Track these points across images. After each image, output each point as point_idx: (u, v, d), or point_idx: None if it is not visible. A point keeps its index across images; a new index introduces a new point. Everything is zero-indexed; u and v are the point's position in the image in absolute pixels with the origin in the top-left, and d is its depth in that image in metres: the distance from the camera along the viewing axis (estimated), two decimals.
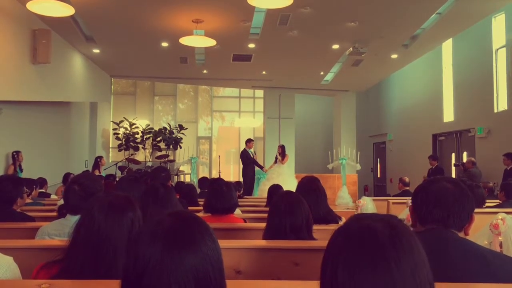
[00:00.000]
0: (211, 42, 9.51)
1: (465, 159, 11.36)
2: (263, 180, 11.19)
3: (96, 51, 11.54)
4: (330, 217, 3.34)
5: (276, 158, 10.89)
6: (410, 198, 1.93)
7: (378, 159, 16.82)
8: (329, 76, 14.07)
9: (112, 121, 16.07)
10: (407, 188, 8.06)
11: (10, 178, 3.64)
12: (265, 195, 9.15)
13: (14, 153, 8.58)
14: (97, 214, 1.64)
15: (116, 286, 1.11)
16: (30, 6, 7.15)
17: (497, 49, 10.36)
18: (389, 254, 0.95)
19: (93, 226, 1.62)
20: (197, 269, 1.04)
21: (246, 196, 8.58)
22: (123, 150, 15.26)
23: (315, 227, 2.74)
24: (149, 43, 10.78)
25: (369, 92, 16.78)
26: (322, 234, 2.94)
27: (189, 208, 4.53)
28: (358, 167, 11.51)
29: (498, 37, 10.33)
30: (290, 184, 8.64)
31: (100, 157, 10.81)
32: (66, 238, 1.73)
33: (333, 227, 3.29)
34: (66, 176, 7.97)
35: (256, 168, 11.27)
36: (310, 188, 3.37)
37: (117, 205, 1.68)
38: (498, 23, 10.34)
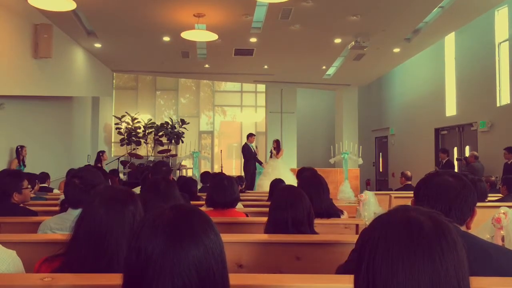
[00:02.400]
0: (212, 37, 9.49)
1: (467, 153, 11.34)
2: (260, 175, 11.22)
3: (98, 45, 11.53)
4: (331, 211, 3.34)
5: (271, 152, 10.93)
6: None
7: (380, 154, 16.80)
8: (331, 70, 14.04)
9: (114, 116, 16.08)
10: (409, 182, 8.05)
11: (9, 171, 3.65)
12: (262, 190, 9.21)
13: (19, 147, 8.60)
14: (98, 208, 1.64)
15: (117, 279, 1.11)
16: (31, 0, 7.13)
17: (500, 43, 10.31)
18: (434, 247, 0.94)
19: (94, 220, 1.63)
20: (199, 262, 1.04)
21: (248, 191, 8.59)
22: (125, 145, 15.28)
23: (316, 221, 2.74)
24: (151, 37, 10.77)
25: (371, 86, 16.74)
26: (323, 228, 2.95)
27: (191, 202, 4.53)
28: (360, 161, 11.50)
29: (501, 30, 10.28)
30: (285, 178, 8.64)
31: (102, 152, 10.82)
32: (68, 232, 1.73)
33: (334, 221, 3.30)
34: (70, 171, 7.97)
35: (257, 163, 11.28)
36: (313, 182, 3.36)
37: (118, 198, 1.68)
38: (501, 16, 10.29)
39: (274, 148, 10.87)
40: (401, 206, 1.06)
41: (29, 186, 3.65)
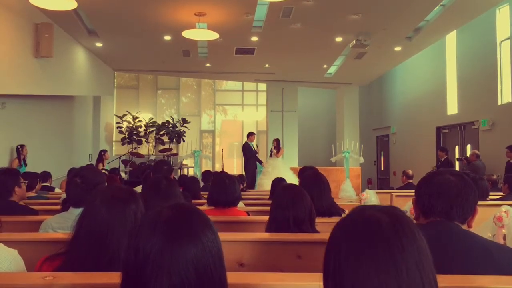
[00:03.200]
0: (213, 35, 9.49)
1: (469, 152, 11.33)
2: (260, 174, 11.22)
3: (99, 44, 11.54)
4: (333, 209, 3.34)
5: (271, 151, 10.92)
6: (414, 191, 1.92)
7: (382, 152, 16.79)
8: (332, 69, 14.03)
9: (115, 115, 16.09)
10: (411, 181, 8.05)
11: (3, 170, 3.67)
12: (263, 189, 9.21)
13: (19, 147, 8.61)
14: (99, 207, 1.64)
15: (118, 278, 1.11)
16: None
17: (501, 41, 10.29)
18: (393, 244, 0.95)
19: (96, 219, 1.63)
20: (197, 260, 1.05)
21: (249, 190, 8.59)
22: (126, 144, 15.30)
23: (318, 219, 2.74)
24: (152, 36, 10.77)
25: (372, 85, 16.72)
26: (325, 227, 2.95)
27: (193, 201, 4.53)
28: (361, 160, 11.49)
29: (502, 29, 10.26)
30: (285, 177, 8.65)
31: (104, 151, 10.82)
32: (69, 231, 1.74)
33: (336, 220, 3.29)
34: (71, 171, 7.98)
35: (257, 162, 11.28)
36: (314, 180, 3.36)
37: (119, 197, 1.68)
38: (503, 15, 10.27)
39: (274, 147, 10.87)
40: (358, 207, 1.07)
41: (25, 182, 3.67)
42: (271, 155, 10.96)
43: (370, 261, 0.94)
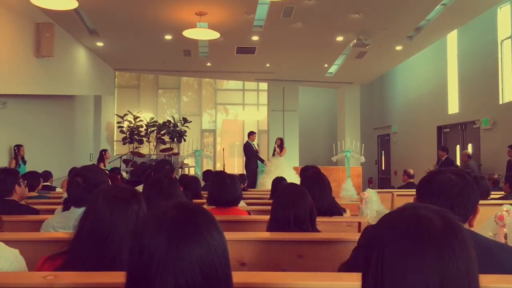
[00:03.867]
0: (214, 35, 9.49)
1: (470, 151, 11.33)
2: (262, 173, 11.20)
3: (100, 44, 11.54)
4: (334, 209, 3.34)
5: (274, 150, 10.90)
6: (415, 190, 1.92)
7: (383, 152, 16.79)
8: (333, 69, 14.02)
9: (116, 115, 16.09)
10: (412, 180, 8.04)
11: (3, 169, 3.68)
12: (264, 188, 9.20)
13: (15, 147, 8.62)
14: (101, 206, 1.64)
15: (120, 277, 1.11)
16: None
17: (503, 40, 10.28)
18: (445, 246, 0.93)
19: (98, 218, 1.63)
20: (202, 260, 1.04)
21: (250, 189, 8.58)
22: (127, 143, 15.30)
23: (319, 219, 2.74)
24: (153, 36, 10.77)
25: (373, 84, 16.72)
26: (326, 226, 2.95)
27: (194, 200, 4.53)
28: (363, 159, 11.48)
29: (504, 28, 10.25)
30: (288, 176, 8.62)
31: (105, 151, 10.83)
32: (71, 230, 1.74)
33: (337, 219, 3.30)
34: (72, 170, 7.98)
35: (259, 161, 11.27)
36: (315, 180, 3.36)
37: (122, 197, 1.68)
38: (504, 14, 10.26)
39: (278, 146, 10.84)
40: (410, 204, 1.04)
41: (25, 181, 3.68)
42: (274, 154, 10.93)
43: (417, 261, 0.91)
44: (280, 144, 10.85)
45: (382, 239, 0.97)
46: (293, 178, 8.34)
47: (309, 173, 3.55)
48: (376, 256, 0.96)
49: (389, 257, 0.94)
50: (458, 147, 12.11)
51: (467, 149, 11.61)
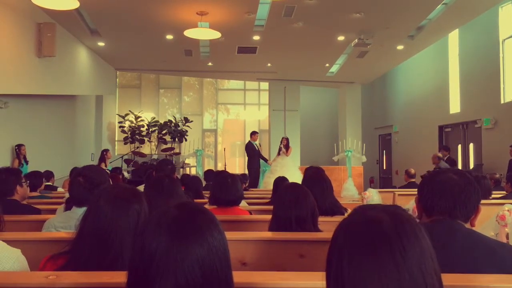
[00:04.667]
0: (215, 35, 9.49)
1: (471, 151, 11.33)
2: (267, 172, 11.19)
3: (101, 44, 11.55)
4: (336, 208, 3.34)
5: (280, 150, 10.88)
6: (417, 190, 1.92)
7: (384, 151, 16.78)
8: (334, 68, 14.02)
9: (117, 114, 16.10)
10: (413, 180, 8.03)
11: (5, 169, 3.68)
12: (269, 187, 9.17)
13: (16, 147, 8.63)
14: (103, 206, 1.65)
15: (122, 277, 1.11)
16: None
17: (504, 40, 10.27)
18: (395, 244, 0.94)
19: (99, 218, 1.63)
20: (203, 260, 1.04)
21: (251, 189, 8.58)
22: (128, 143, 15.31)
23: (320, 218, 2.74)
24: (154, 35, 10.77)
25: (375, 84, 16.70)
26: (327, 226, 2.94)
27: (195, 200, 4.53)
28: (364, 159, 11.48)
29: (505, 27, 10.23)
30: (294, 176, 8.63)
31: (106, 150, 10.83)
32: (72, 230, 1.74)
33: (338, 219, 3.29)
34: (74, 170, 7.99)
35: (261, 161, 11.27)
36: (316, 179, 3.36)
37: (123, 197, 1.68)
38: (505, 13, 10.24)
39: (284, 146, 10.83)
40: (360, 207, 1.06)
41: (27, 181, 3.69)
42: (279, 154, 10.92)
43: (371, 263, 0.93)
44: (286, 144, 10.84)
45: (338, 245, 0.99)
46: (298, 178, 8.32)
47: (311, 172, 3.55)
48: (335, 262, 0.98)
49: (346, 263, 0.95)
50: (459, 146, 12.09)
51: (468, 149, 11.60)
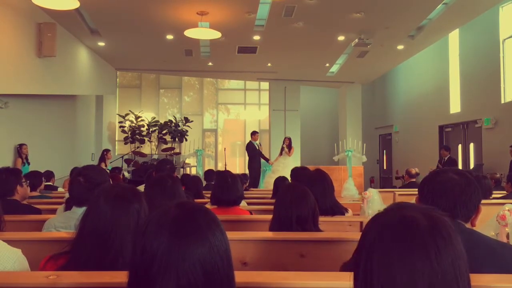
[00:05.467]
0: (216, 34, 9.49)
1: (471, 150, 11.33)
2: (268, 172, 11.19)
3: (101, 44, 11.55)
4: (336, 208, 3.34)
5: (282, 149, 10.88)
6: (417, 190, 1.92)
7: (384, 151, 16.78)
8: (334, 68, 14.01)
9: (118, 114, 16.10)
10: (414, 180, 8.03)
11: (5, 169, 3.69)
12: (271, 187, 9.15)
13: (17, 147, 8.63)
14: (103, 206, 1.65)
15: (122, 277, 1.11)
16: None
17: (504, 39, 10.27)
18: (430, 245, 0.94)
19: (99, 218, 1.63)
20: (204, 260, 1.04)
21: (252, 188, 8.58)
22: (129, 143, 15.31)
23: (321, 218, 2.74)
24: (154, 35, 10.77)
25: (375, 84, 16.70)
26: (328, 226, 2.95)
27: (196, 200, 4.53)
28: (364, 159, 11.46)
29: (506, 27, 10.23)
30: None
31: (107, 151, 10.83)
32: (72, 230, 1.74)
33: (339, 219, 3.30)
34: (74, 170, 7.99)
35: (262, 160, 11.27)
36: (318, 179, 3.36)
37: (123, 196, 1.68)
38: (506, 13, 10.24)
39: (287, 146, 10.83)
40: (396, 204, 1.05)
41: (27, 181, 3.69)
42: (281, 153, 10.92)
43: (404, 262, 0.93)
44: (289, 144, 10.85)
45: (369, 242, 0.98)
46: None
47: (312, 172, 3.54)
48: (365, 259, 0.97)
49: (376, 262, 0.95)
50: (460, 146, 12.09)
51: (468, 148, 11.60)
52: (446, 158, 10.35)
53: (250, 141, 11.24)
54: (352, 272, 1.02)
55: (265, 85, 17.06)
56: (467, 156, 11.77)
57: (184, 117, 16.09)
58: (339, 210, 3.36)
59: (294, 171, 5.87)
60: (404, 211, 1.01)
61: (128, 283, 1.08)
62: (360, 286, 0.98)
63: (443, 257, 0.93)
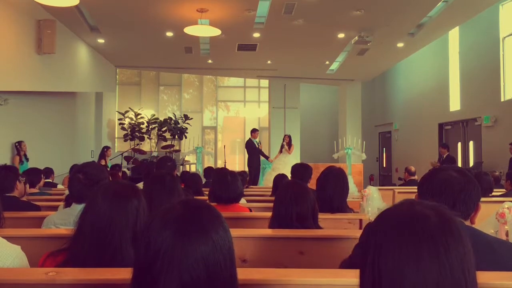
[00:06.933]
0: (216, 32, 9.48)
1: (471, 148, 11.34)
2: (268, 170, 11.20)
3: (101, 41, 11.54)
4: (347, 209, 3.38)
5: (282, 147, 10.88)
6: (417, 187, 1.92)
7: (384, 149, 16.78)
8: (334, 66, 14.00)
9: (117, 111, 16.09)
10: (413, 178, 8.03)
11: (4, 166, 3.69)
12: (271, 184, 9.16)
13: (16, 144, 8.63)
14: (101, 202, 1.65)
15: (121, 273, 1.11)
16: None
17: (505, 37, 10.25)
18: (439, 242, 0.94)
19: (98, 214, 1.63)
20: (207, 257, 1.04)
21: (251, 186, 8.59)
22: (128, 140, 15.30)
23: (320, 216, 2.75)
24: (154, 33, 10.76)
25: (375, 81, 16.69)
26: (327, 223, 2.95)
27: (195, 197, 4.53)
28: (364, 156, 11.48)
29: (506, 25, 10.21)
30: None
31: (107, 148, 10.81)
32: (72, 227, 1.74)
33: (338, 216, 3.30)
34: (73, 167, 7.99)
35: (262, 158, 11.27)
36: (340, 180, 3.32)
37: (121, 193, 1.68)
38: (506, 10, 10.22)
39: (287, 143, 10.83)
40: (406, 200, 1.05)
41: (23, 178, 3.69)
42: (281, 151, 10.92)
43: (413, 257, 0.93)
44: (289, 142, 10.85)
45: (379, 236, 0.98)
46: None
47: (335, 172, 3.45)
48: (373, 253, 0.97)
49: (385, 257, 0.95)
50: (459, 144, 12.10)
51: (468, 146, 11.60)
52: (444, 156, 10.36)
53: (249, 138, 11.25)
54: (355, 269, 1.02)
55: (265, 82, 17.06)
56: (466, 154, 11.78)
57: (184, 115, 16.08)
58: (349, 210, 3.40)
59: (295, 168, 5.85)
60: (415, 207, 1.00)
61: (132, 279, 1.08)
62: (367, 283, 0.97)
63: (452, 256, 0.93)
